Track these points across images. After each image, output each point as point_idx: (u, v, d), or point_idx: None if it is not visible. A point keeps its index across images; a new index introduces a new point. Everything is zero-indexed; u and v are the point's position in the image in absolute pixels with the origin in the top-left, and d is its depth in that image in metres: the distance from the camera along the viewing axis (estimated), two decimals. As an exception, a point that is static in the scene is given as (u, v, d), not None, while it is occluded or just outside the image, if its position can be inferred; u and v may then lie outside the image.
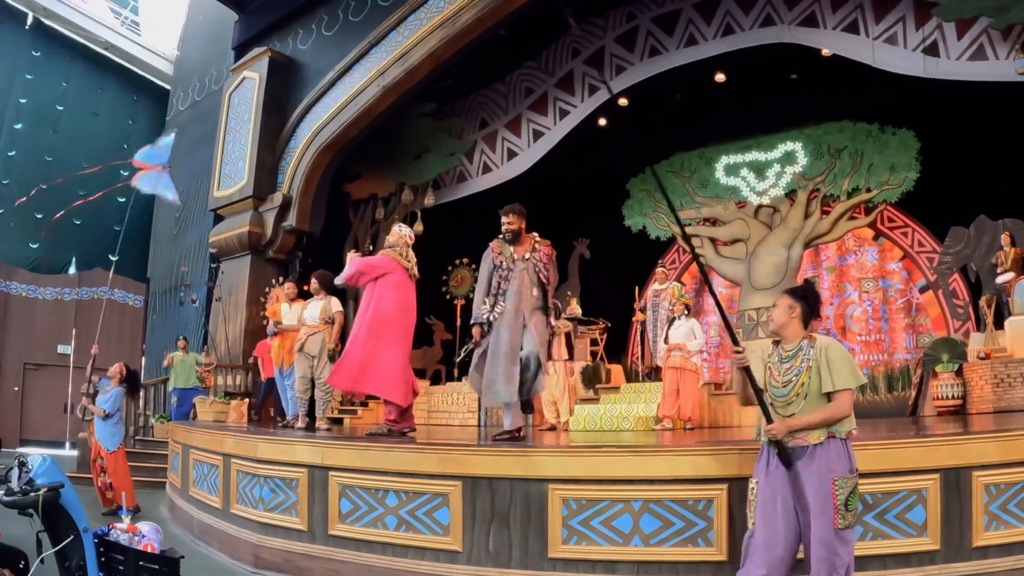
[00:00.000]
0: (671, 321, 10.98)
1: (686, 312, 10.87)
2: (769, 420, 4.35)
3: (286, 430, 9.61)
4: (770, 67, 14.35)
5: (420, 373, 16.54)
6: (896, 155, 14.15)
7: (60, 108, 23.96)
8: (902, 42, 11.79)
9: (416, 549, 6.24)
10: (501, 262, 7.40)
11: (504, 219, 7.59)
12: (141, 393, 15.65)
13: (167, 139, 12.74)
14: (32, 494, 3.82)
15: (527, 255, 7.45)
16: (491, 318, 7.26)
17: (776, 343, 4.65)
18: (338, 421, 14.18)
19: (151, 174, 11.82)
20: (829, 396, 4.37)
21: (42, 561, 4.00)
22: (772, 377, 4.52)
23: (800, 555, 4.41)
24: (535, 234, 7.69)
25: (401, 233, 9.22)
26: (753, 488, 4.52)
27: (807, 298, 4.59)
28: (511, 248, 7.49)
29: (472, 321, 7.41)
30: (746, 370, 4.44)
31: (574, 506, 5.70)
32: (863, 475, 5.19)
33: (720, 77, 14.87)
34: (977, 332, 11.62)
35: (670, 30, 14.32)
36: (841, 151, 14.73)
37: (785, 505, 4.35)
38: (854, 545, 4.32)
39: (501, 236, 7.58)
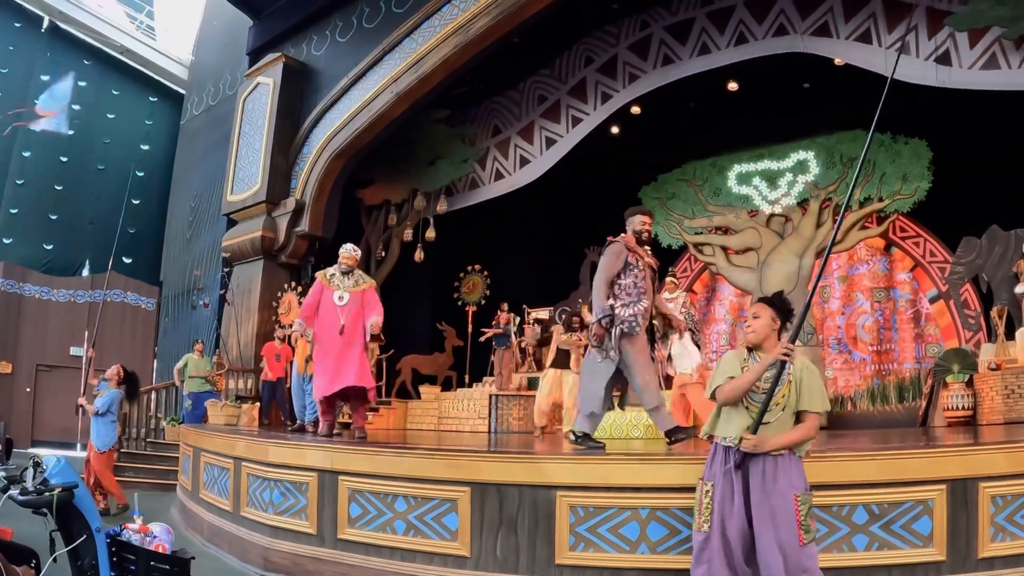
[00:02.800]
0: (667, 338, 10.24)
1: (691, 330, 10.35)
2: (755, 431, 4.36)
3: (296, 434, 9.67)
4: (783, 76, 14.36)
5: (431, 379, 16.59)
6: (908, 165, 14.11)
7: (76, 108, 24.10)
8: (915, 51, 11.79)
9: (424, 554, 6.26)
10: (636, 261, 7.25)
11: (644, 219, 7.54)
12: (150, 396, 15.80)
13: (66, 82, 12.72)
14: (46, 494, 3.86)
15: (649, 260, 7.41)
16: (629, 316, 6.98)
17: (751, 350, 4.68)
18: (347, 426, 14.22)
19: (51, 119, 11.78)
20: (800, 415, 4.47)
21: (55, 560, 4.04)
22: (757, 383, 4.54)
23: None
24: None
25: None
26: (708, 491, 4.53)
27: (784, 311, 4.65)
28: (643, 250, 7.38)
29: (597, 316, 7.05)
30: (781, 366, 4.39)
31: (581, 513, 5.72)
32: (871, 485, 5.23)
33: (733, 86, 14.89)
34: (988, 343, 11.58)
35: (683, 39, 14.34)
36: (853, 160, 14.69)
37: (740, 508, 4.40)
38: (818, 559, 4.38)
39: (635, 236, 7.43)
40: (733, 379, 4.55)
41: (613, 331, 6.94)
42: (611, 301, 7.07)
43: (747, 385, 4.47)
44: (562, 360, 11.24)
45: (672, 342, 9.96)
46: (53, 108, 11.45)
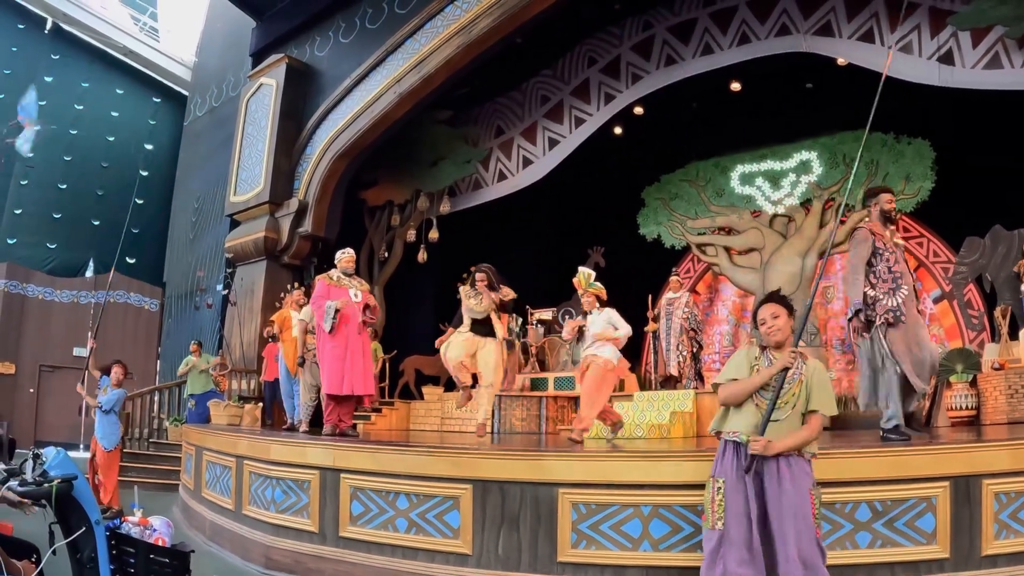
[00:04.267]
0: (585, 316, 9.08)
1: (598, 305, 8.95)
2: (762, 432, 4.38)
3: (295, 433, 9.69)
4: (786, 76, 14.34)
5: (434, 380, 16.58)
6: (911, 165, 14.10)
7: (80, 108, 24.18)
8: (917, 51, 11.77)
9: (426, 552, 6.27)
10: (884, 244, 7.02)
11: (889, 196, 7.35)
12: (152, 396, 15.83)
13: (31, 95, 12.79)
14: (45, 485, 3.86)
15: (897, 239, 7.20)
16: (892, 306, 6.78)
17: (763, 348, 4.69)
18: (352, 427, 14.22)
19: (28, 131, 11.77)
20: (806, 415, 4.51)
21: (54, 552, 4.04)
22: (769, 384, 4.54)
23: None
24: None
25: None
26: (720, 488, 4.55)
27: (793, 309, 4.72)
28: (888, 230, 7.17)
29: (856, 308, 6.96)
30: (785, 371, 4.45)
31: (583, 510, 5.72)
32: (874, 482, 5.23)
33: (736, 86, 14.87)
34: (992, 343, 11.56)
35: (686, 39, 14.32)
36: (856, 160, 14.68)
37: (757, 506, 4.43)
38: None
39: (883, 216, 7.25)
40: (737, 381, 4.56)
41: (876, 322, 6.83)
42: (869, 290, 6.95)
43: (751, 389, 4.50)
44: (480, 328, 9.36)
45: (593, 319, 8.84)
46: (30, 119, 11.53)
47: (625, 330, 8.59)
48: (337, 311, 8.93)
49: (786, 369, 4.43)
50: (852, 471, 5.34)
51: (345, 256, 9.55)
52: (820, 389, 4.52)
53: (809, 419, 4.49)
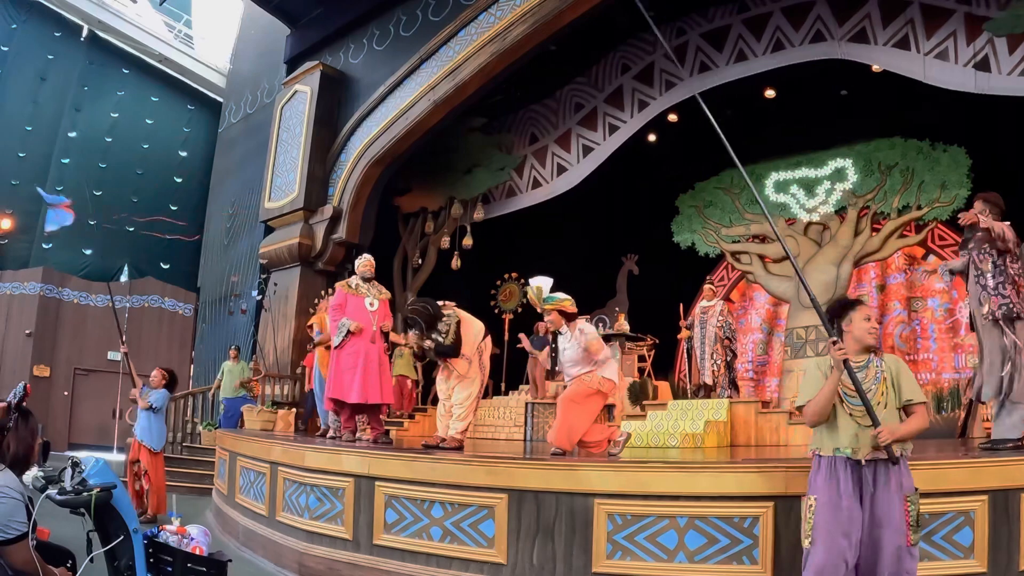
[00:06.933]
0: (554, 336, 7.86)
1: (564, 322, 7.58)
2: (876, 423, 4.25)
3: (328, 440, 9.71)
4: (820, 83, 14.28)
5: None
6: (947, 172, 13.98)
7: (115, 115, 24.41)
8: (953, 57, 11.67)
9: (461, 561, 6.25)
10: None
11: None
12: (186, 400, 15.94)
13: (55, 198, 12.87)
14: (85, 494, 3.87)
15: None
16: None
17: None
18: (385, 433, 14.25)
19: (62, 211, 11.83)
20: (904, 409, 4.42)
21: (92, 560, 4.06)
22: (844, 386, 4.46)
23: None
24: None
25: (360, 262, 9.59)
26: (811, 505, 4.41)
27: None
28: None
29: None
30: (846, 363, 4.34)
31: (619, 521, 5.69)
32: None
33: (770, 93, 14.84)
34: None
35: (720, 46, 14.29)
36: (892, 168, 14.56)
37: (852, 521, 4.29)
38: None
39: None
40: (811, 400, 4.49)
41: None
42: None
43: (829, 394, 4.41)
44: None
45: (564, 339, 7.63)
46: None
47: (605, 354, 7.41)
48: (349, 332, 8.92)
49: (845, 362, 4.34)
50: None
51: (363, 261, 9.47)
52: (907, 380, 4.45)
53: (913, 410, 4.40)
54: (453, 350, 8.05)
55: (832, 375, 4.40)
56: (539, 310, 7.90)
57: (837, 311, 4.67)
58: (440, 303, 8.26)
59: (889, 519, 4.21)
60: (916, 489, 4.32)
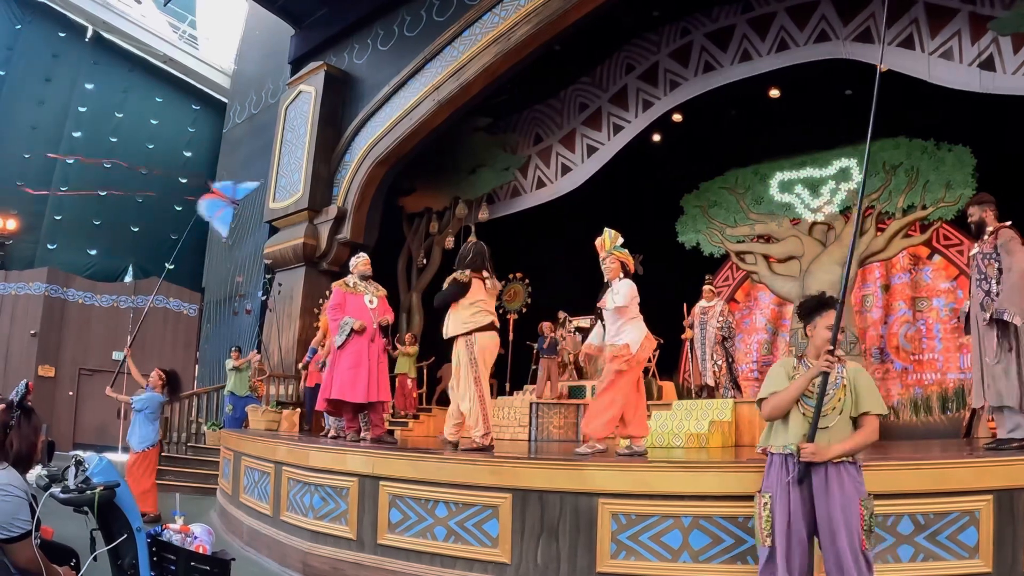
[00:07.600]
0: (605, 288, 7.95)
1: (621, 275, 7.85)
2: (811, 439, 4.33)
3: (333, 440, 9.71)
4: (825, 83, 14.24)
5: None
6: (952, 172, 13.90)
7: (120, 115, 24.45)
8: (958, 57, 11.65)
9: (465, 560, 6.25)
10: None
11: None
12: (191, 401, 15.92)
13: (252, 184, 12.93)
14: (88, 492, 3.87)
15: None
16: None
17: (800, 357, 4.66)
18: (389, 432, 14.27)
19: (218, 202, 11.88)
20: (857, 419, 4.46)
21: (95, 559, 4.06)
22: (807, 390, 4.50)
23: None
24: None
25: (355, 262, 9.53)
26: (767, 503, 4.49)
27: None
28: None
29: None
30: (824, 376, 4.40)
31: (623, 520, 5.68)
32: (916, 495, 5.16)
33: (774, 93, 14.80)
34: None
35: (724, 46, 14.28)
36: (896, 168, 14.50)
37: (803, 520, 4.37)
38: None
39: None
40: (777, 393, 4.52)
41: None
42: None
43: (792, 398, 4.45)
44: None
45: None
46: (228, 195, 11.64)
47: (629, 314, 7.69)
48: (353, 331, 8.89)
49: (825, 374, 4.39)
50: (894, 483, 5.26)
51: (360, 260, 9.43)
52: (867, 390, 4.47)
53: (863, 422, 4.43)
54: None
55: (802, 378, 4.47)
56: (601, 255, 8.05)
57: (806, 313, 4.70)
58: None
59: (842, 524, 4.24)
60: (869, 494, 4.37)
